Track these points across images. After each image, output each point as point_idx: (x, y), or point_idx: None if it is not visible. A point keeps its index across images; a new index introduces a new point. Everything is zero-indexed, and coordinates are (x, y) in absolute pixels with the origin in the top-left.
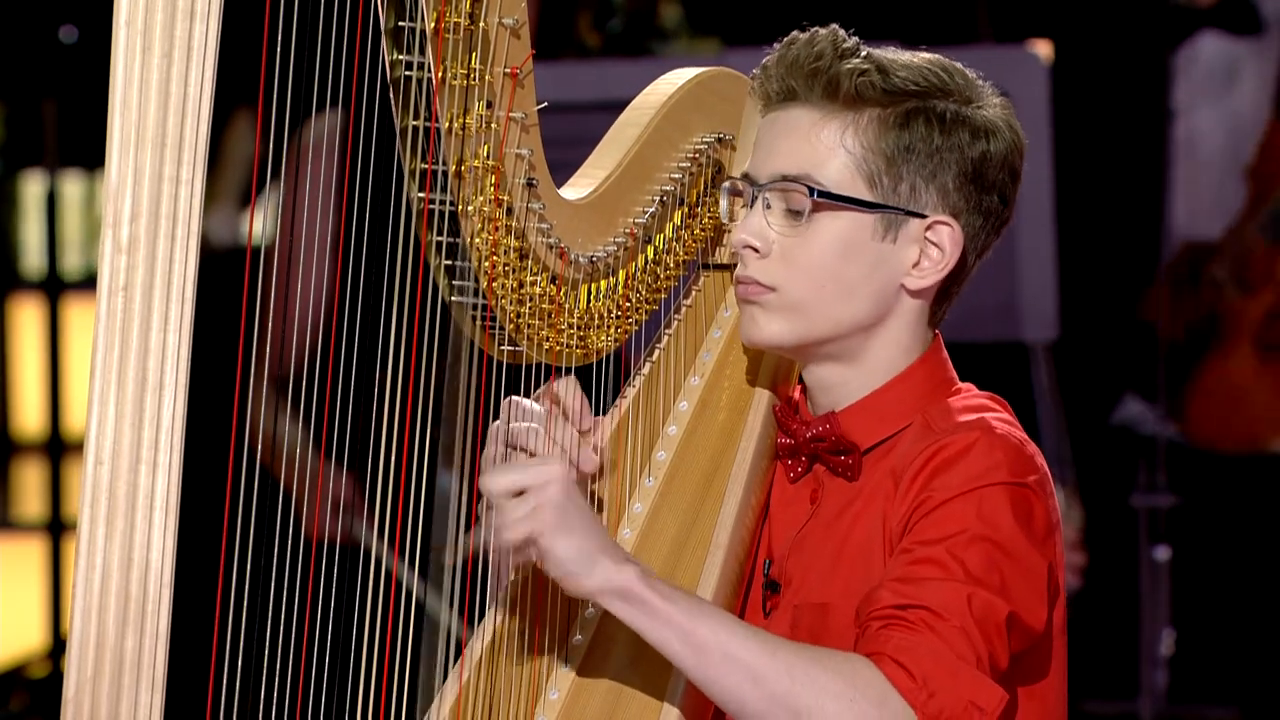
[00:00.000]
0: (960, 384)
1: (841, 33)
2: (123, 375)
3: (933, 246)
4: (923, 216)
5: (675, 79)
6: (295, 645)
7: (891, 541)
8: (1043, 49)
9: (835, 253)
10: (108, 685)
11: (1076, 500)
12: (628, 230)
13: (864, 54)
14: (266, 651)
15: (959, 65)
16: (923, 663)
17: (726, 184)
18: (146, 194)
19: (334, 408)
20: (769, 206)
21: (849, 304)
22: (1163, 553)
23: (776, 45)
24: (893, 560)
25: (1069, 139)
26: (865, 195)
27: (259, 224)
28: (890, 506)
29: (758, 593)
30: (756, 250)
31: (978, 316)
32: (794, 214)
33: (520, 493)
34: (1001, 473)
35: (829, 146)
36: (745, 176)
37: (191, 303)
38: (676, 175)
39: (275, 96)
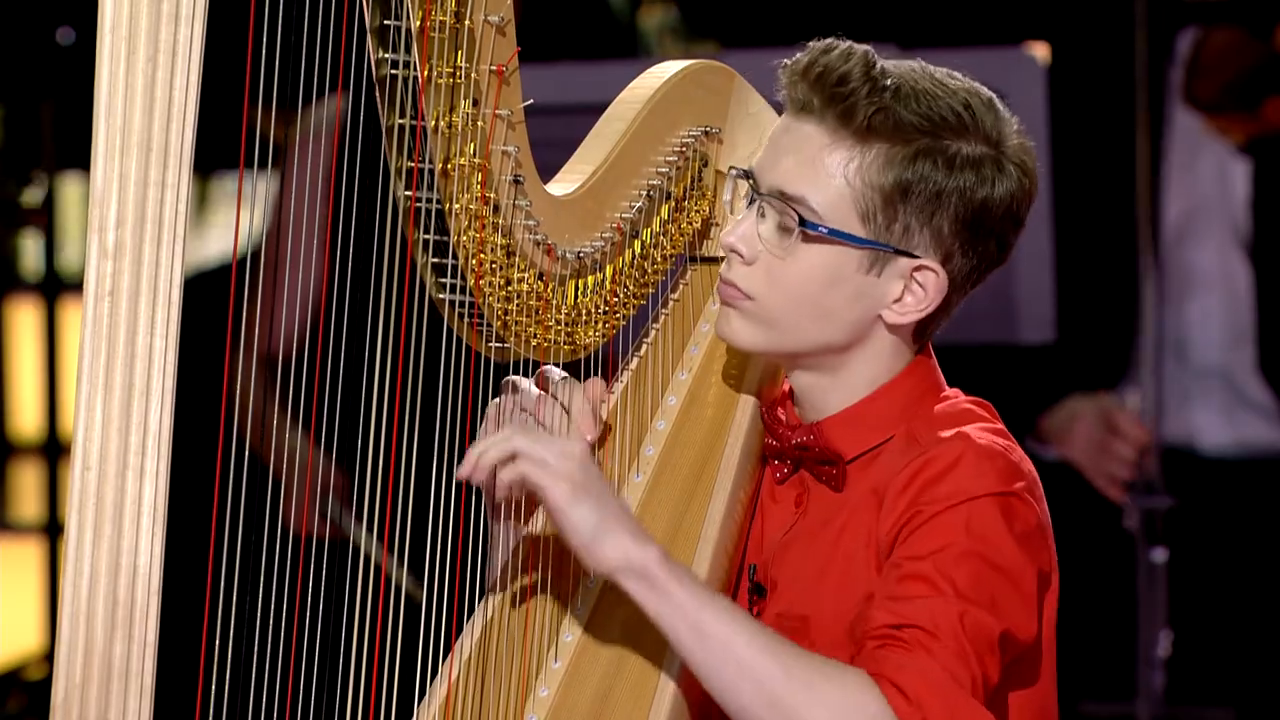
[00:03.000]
0: (948, 389)
1: (873, 56)
2: (109, 381)
3: (917, 286)
4: (912, 256)
5: (661, 72)
6: (284, 651)
7: (879, 557)
8: (1039, 51)
9: (818, 279)
10: (96, 691)
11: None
12: (614, 225)
13: (889, 82)
14: (255, 657)
15: (990, 99)
16: (918, 685)
17: (734, 171)
18: (132, 199)
19: (322, 406)
20: (763, 215)
21: (824, 327)
22: (1160, 554)
23: (799, 48)
24: (883, 576)
25: (1067, 141)
26: (857, 230)
27: (253, 218)
28: (876, 523)
29: (742, 596)
30: (742, 256)
31: (974, 318)
32: (785, 230)
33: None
34: (989, 483)
35: (830, 174)
36: (749, 174)
37: (178, 307)
38: (663, 169)
39: (261, 96)
